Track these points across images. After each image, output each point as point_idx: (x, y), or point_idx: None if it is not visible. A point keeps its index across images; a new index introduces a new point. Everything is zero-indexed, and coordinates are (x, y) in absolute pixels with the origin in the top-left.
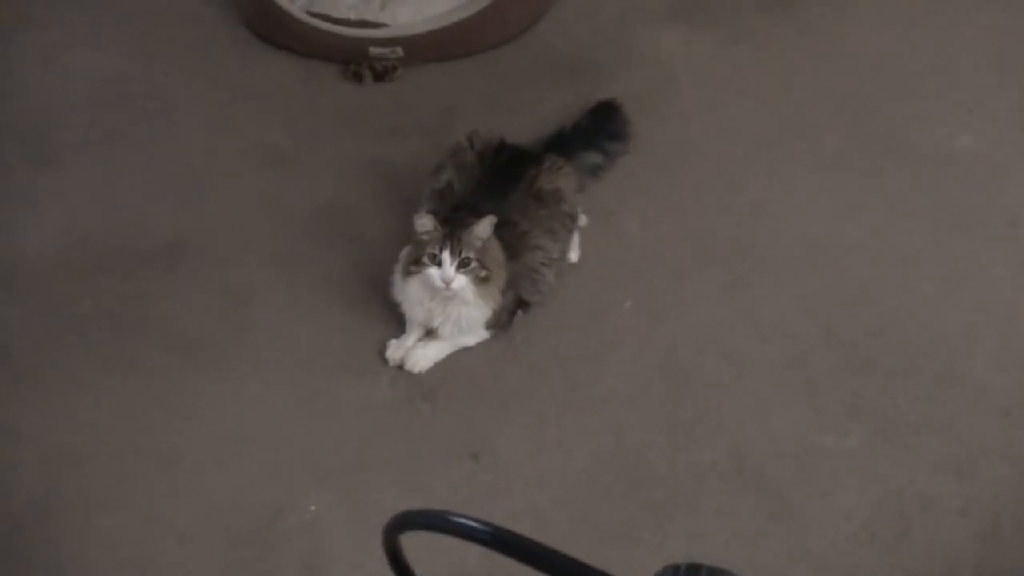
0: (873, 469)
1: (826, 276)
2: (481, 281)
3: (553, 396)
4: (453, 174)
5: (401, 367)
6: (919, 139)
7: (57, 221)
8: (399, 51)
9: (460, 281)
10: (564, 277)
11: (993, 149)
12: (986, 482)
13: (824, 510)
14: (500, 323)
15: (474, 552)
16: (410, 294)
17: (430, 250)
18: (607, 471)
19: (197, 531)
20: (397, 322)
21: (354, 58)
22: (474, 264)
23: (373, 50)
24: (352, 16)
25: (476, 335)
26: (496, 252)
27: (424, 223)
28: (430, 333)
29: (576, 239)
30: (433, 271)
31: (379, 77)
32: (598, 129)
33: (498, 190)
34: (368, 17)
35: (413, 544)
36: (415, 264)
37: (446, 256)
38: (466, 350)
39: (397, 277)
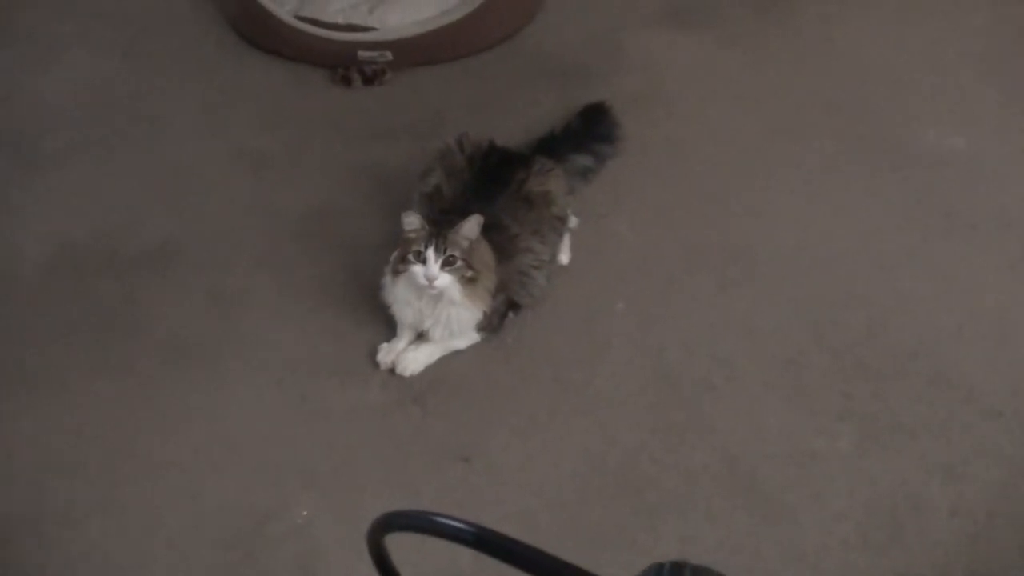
0: (865, 471)
1: (817, 278)
2: (468, 282)
3: (544, 399)
4: (442, 177)
5: (392, 370)
6: (910, 141)
7: (46, 225)
8: (388, 55)
9: (444, 279)
10: (555, 279)
11: (984, 151)
12: (977, 483)
13: (816, 512)
14: (491, 326)
15: (466, 554)
16: (399, 294)
17: (416, 248)
18: (599, 473)
19: (187, 536)
20: (388, 325)
21: (343, 62)
22: (459, 263)
23: (362, 54)
24: (341, 20)
25: (467, 338)
26: (485, 254)
27: (411, 221)
28: (421, 336)
29: (567, 241)
30: (417, 268)
31: (368, 81)
32: (588, 132)
33: (487, 193)
34: (357, 21)
35: (403, 546)
36: (402, 263)
37: (431, 253)
38: (457, 353)
39: (387, 279)
